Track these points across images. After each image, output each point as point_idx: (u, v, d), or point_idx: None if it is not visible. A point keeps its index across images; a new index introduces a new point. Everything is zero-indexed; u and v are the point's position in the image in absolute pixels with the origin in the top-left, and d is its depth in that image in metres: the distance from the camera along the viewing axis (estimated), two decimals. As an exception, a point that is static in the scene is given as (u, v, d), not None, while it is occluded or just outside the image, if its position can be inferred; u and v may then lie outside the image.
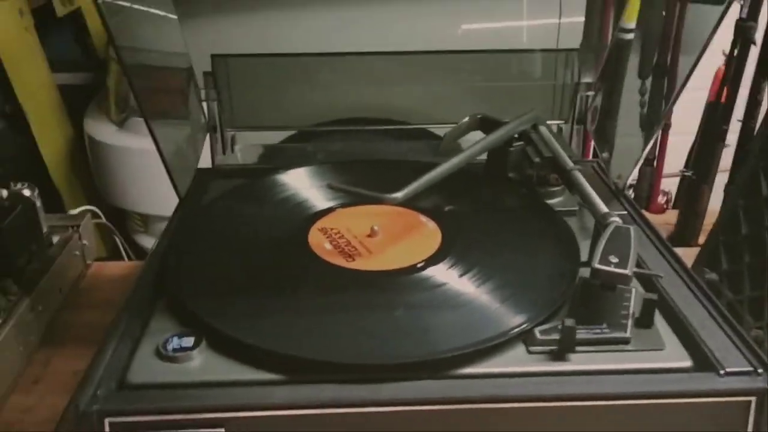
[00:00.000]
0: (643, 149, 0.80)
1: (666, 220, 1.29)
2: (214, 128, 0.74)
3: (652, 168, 1.33)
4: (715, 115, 1.13)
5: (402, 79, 0.78)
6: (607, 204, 0.58)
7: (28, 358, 0.70)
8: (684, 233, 1.18)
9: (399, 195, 0.54)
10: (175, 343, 0.48)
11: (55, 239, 0.80)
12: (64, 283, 0.78)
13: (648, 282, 0.55)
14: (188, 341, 0.48)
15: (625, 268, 0.48)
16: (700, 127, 1.21)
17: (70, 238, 0.81)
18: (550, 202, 0.66)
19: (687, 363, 0.47)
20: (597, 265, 0.48)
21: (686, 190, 1.22)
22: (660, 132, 1.33)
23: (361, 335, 0.48)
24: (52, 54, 1.99)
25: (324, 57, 0.73)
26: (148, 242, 1.74)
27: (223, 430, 0.43)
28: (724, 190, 1.17)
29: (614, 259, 0.48)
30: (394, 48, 0.74)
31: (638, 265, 0.52)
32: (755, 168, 0.78)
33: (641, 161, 0.71)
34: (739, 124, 1.17)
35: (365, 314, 0.50)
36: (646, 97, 0.88)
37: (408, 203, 0.62)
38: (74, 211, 0.89)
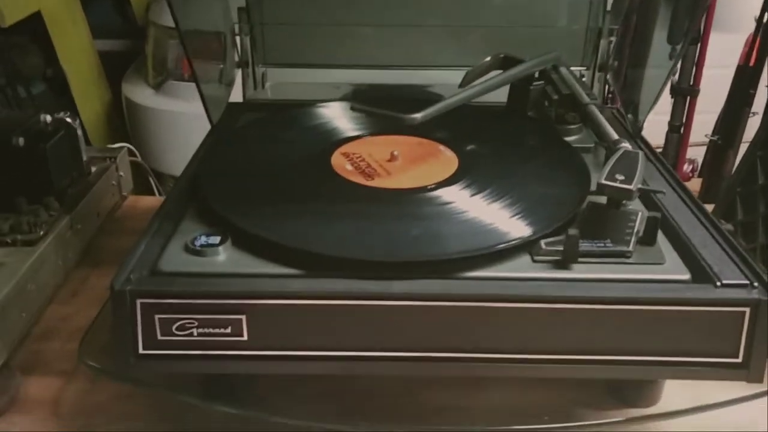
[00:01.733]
0: (655, 98, 0.81)
1: (691, 188, 1.30)
2: (246, 63, 0.78)
3: (679, 135, 1.33)
4: (743, 80, 1.12)
5: (429, 21, 0.80)
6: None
7: (67, 273, 0.74)
8: (708, 197, 1.18)
9: (418, 115, 0.57)
10: (202, 239, 0.51)
11: (94, 169, 0.84)
12: (102, 209, 0.83)
13: (653, 204, 0.57)
14: (214, 239, 0.51)
15: (630, 184, 0.50)
16: (729, 92, 1.20)
17: (108, 168, 0.85)
18: (567, 139, 0.68)
19: (686, 276, 0.49)
20: (603, 181, 0.50)
21: (712, 155, 1.22)
22: (688, 98, 1.33)
23: (373, 236, 0.51)
24: (93, 21, 2.05)
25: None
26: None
27: (244, 316, 0.47)
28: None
29: (620, 177, 0.51)
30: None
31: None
32: (774, 120, 0.78)
33: (651, 109, 0.71)
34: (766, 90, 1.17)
35: (377, 220, 0.53)
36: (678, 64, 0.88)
37: (430, 134, 0.64)
38: (112, 146, 0.94)
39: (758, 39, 1.08)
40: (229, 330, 0.47)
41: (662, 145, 1.36)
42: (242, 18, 0.76)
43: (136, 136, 2.00)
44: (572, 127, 0.69)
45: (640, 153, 0.54)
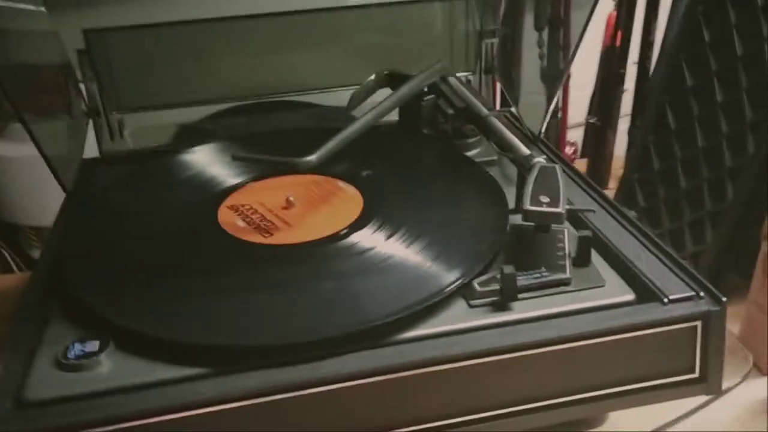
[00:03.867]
0: (549, 102, 0.80)
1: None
2: (96, 112, 0.67)
3: (557, 119, 1.34)
4: (612, 60, 1.14)
5: (295, 42, 0.73)
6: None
7: None
8: (593, 179, 1.20)
9: (313, 158, 0.50)
10: (77, 349, 0.42)
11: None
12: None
13: (577, 220, 0.53)
14: (93, 345, 0.42)
15: (558, 206, 0.46)
16: (598, 73, 1.22)
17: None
18: (468, 154, 0.64)
19: (630, 296, 0.46)
20: (529, 207, 0.46)
21: (592, 137, 1.23)
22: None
23: (287, 313, 0.44)
24: None
25: (211, 23, 0.67)
26: (45, 256, 1.61)
27: (146, 439, 0.38)
28: (628, 133, 1.20)
29: (545, 199, 0.46)
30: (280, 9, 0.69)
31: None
32: (661, 103, 0.78)
33: (549, 115, 0.70)
34: (634, 67, 1.20)
35: (289, 290, 0.46)
36: (545, 49, 0.87)
37: (323, 170, 0.57)
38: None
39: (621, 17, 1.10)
40: (129, 460, 0.38)
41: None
42: (84, 62, 0.65)
43: (-19, 188, 1.78)
44: (471, 140, 0.65)
45: (557, 167, 0.50)
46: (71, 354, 0.41)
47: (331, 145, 0.52)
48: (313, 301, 0.44)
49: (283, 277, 0.47)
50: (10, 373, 0.41)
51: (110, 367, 0.41)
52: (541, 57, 0.87)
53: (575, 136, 1.41)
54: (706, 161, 0.71)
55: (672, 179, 0.75)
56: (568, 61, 0.80)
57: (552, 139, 1.34)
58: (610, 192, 0.93)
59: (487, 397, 0.43)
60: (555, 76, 0.83)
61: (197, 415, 0.39)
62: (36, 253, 1.65)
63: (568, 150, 1.36)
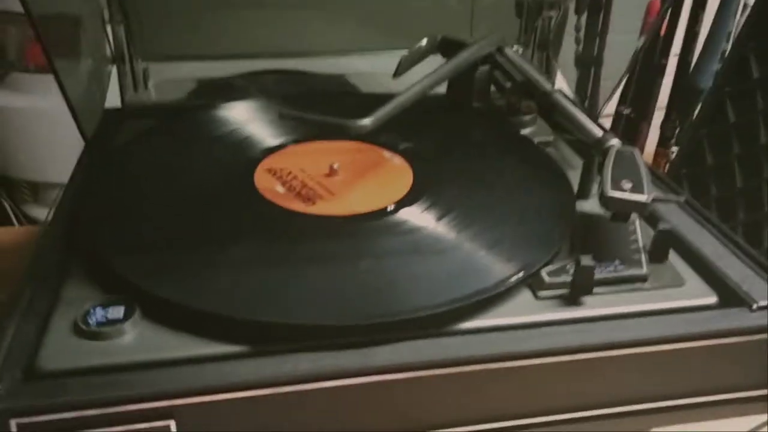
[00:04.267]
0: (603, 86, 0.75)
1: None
2: (122, 58, 0.61)
3: (584, 108, 1.29)
4: (655, 50, 1.09)
5: (318, 6, 0.68)
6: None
7: None
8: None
9: (367, 121, 0.45)
10: (99, 314, 0.37)
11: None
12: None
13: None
14: (116, 311, 0.37)
15: (642, 193, 0.41)
16: (633, 62, 1.17)
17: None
18: (522, 132, 0.59)
19: (712, 299, 0.41)
20: (610, 193, 0.41)
21: (623, 128, 1.18)
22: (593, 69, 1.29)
23: (337, 291, 0.39)
24: None
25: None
26: (39, 213, 1.56)
27: (171, 421, 0.34)
28: (661, 127, 1.15)
29: (627, 185, 0.42)
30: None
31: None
32: (721, 94, 0.74)
33: (607, 101, 0.66)
34: (674, 60, 1.15)
35: (339, 266, 0.41)
36: (581, 34, 0.83)
37: (370, 138, 0.53)
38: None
39: (668, 8, 1.05)
40: (152, 442, 0.34)
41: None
42: (113, 4, 0.59)
43: (-21, 139, 1.72)
44: (526, 118, 0.60)
45: (635, 151, 0.45)
46: (92, 320, 0.37)
47: (386, 110, 0.47)
48: (361, 282, 0.40)
49: (329, 251, 0.42)
50: (23, 338, 0.36)
51: (135, 338, 0.37)
52: (577, 42, 0.83)
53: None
54: (768, 159, 0.67)
55: (727, 176, 0.71)
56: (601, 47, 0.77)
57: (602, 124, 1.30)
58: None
59: (549, 399, 0.38)
60: (590, 64, 0.79)
61: (233, 398, 0.34)
62: (29, 209, 1.60)
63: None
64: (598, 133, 0.49)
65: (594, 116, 1.29)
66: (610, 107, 1.31)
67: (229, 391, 0.34)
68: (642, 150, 1.18)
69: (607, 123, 1.35)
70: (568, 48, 0.81)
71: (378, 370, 0.35)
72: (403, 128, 0.55)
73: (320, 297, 0.38)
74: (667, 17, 1.06)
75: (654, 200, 0.41)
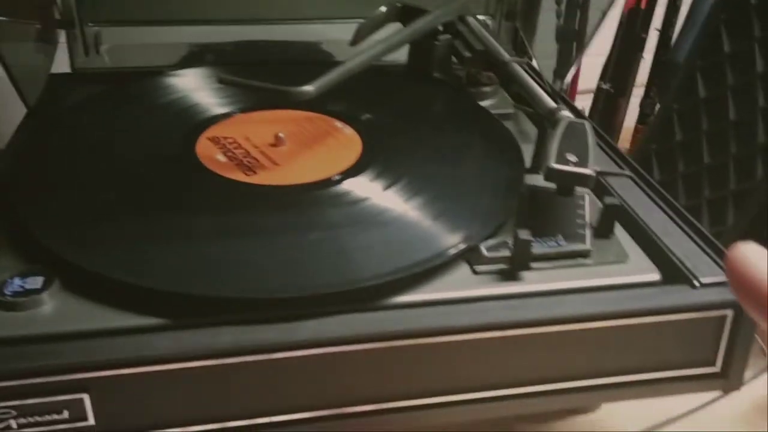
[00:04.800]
0: (572, 61, 0.74)
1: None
2: (71, 23, 0.59)
3: (545, 82, 1.27)
4: (635, 24, 1.07)
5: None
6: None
7: None
8: (601, 149, 1.14)
9: (311, 88, 0.44)
10: (16, 284, 0.36)
11: None
12: None
13: (598, 188, 0.47)
14: (35, 281, 0.36)
15: (586, 167, 0.40)
16: (616, 38, 1.15)
17: None
18: (481, 103, 0.58)
19: (656, 275, 0.40)
20: (554, 165, 0.40)
21: (603, 104, 1.17)
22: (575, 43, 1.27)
23: (267, 263, 0.38)
24: None
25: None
26: None
27: (86, 395, 0.32)
28: (640, 104, 1.13)
29: (572, 158, 0.40)
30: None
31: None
32: (691, 67, 0.72)
33: (572, 72, 0.64)
34: (654, 35, 1.13)
35: (271, 238, 0.40)
36: (563, 6, 0.81)
37: (320, 107, 0.51)
38: None
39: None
40: (66, 415, 0.33)
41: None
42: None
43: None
44: (486, 89, 0.58)
45: (587, 123, 0.44)
46: (8, 290, 0.35)
47: (332, 76, 0.45)
48: (297, 253, 0.39)
49: (264, 222, 0.41)
50: (-66, 308, 0.35)
51: (54, 309, 0.35)
52: (558, 15, 0.81)
53: (582, 103, 1.34)
54: (736, 136, 0.65)
55: (695, 153, 0.70)
56: (597, 23, 0.75)
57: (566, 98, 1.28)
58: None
59: (484, 376, 0.38)
60: (571, 38, 0.77)
61: (150, 372, 0.33)
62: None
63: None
64: (552, 105, 0.47)
65: (561, 91, 1.27)
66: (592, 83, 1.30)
67: (144, 364, 0.33)
68: (620, 126, 1.16)
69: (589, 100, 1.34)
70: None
71: (301, 344, 0.34)
72: (359, 98, 0.54)
73: (248, 269, 0.37)
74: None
75: (599, 174, 0.40)
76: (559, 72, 0.75)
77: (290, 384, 0.35)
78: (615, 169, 0.48)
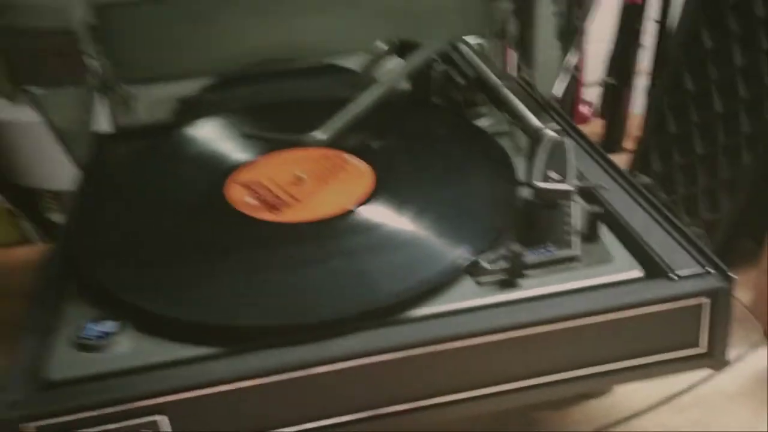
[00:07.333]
0: (562, 60, 0.78)
1: (591, 130, 1.29)
2: (107, 86, 0.67)
3: (573, 78, 1.32)
4: (631, 17, 1.11)
5: (301, 9, 0.72)
6: (537, 117, 0.55)
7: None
8: (610, 140, 1.18)
9: (323, 136, 0.50)
10: (93, 329, 0.43)
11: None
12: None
13: (588, 195, 0.53)
14: (109, 326, 0.43)
15: (567, 183, 0.46)
16: (617, 30, 1.19)
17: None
18: (480, 124, 0.64)
19: (638, 272, 0.46)
20: (536, 184, 0.45)
21: (609, 96, 1.21)
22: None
23: (297, 292, 0.45)
24: None
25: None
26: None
27: (165, 417, 0.39)
28: (647, 93, 1.17)
29: (555, 176, 0.46)
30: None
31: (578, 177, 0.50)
32: (678, 63, 0.77)
33: (561, 76, 0.69)
34: (656, 25, 1.16)
35: (299, 269, 0.46)
36: (561, 5, 0.85)
37: (334, 144, 0.57)
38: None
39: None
40: (147, 435, 0.40)
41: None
42: (92, 35, 0.64)
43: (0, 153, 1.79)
44: (483, 110, 0.64)
45: (567, 141, 0.50)
46: (88, 334, 0.43)
47: (340, 120, 0.52)
48: (322, 281, 0.45)
49: (292, 256, 0.48)
50: (32, 354, 0.42)
51: (127, 347, 0.42)
52: (555, 14, 0.86)
53: (593, 95, 1.38)
54: (723, 126, 0.70)
55: (687, 144, 0.74)
56: (582, 20, 0.79)
57: (568, 99, 1.32)
58: (628, 154, 0.92)
59: (495, 373, 0.43)
60: (569, 34, 0.81)
61: (211, 394, 0.40)
62: (56, 217, 1.67)
63: (585, 109, 1.33)
64: (536, 124, 0.53)
65: (579, 88, 1.29)
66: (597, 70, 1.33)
67: (210, 386, 0.40)
68: (625, 118, 1.20)
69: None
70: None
71: (335, 359, 0.40)
72: (367, 129, 0.60)
73: (282, 299, 0.44)
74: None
75: (578, 188, 0.46)
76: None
77: (328, 393, 0.41)
78: (600, 177, 0.53)
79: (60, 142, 0.58)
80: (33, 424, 0.38)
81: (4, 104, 1.75)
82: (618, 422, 0.54)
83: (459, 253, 0.46)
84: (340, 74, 0.74)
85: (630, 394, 0.56)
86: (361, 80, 0.62)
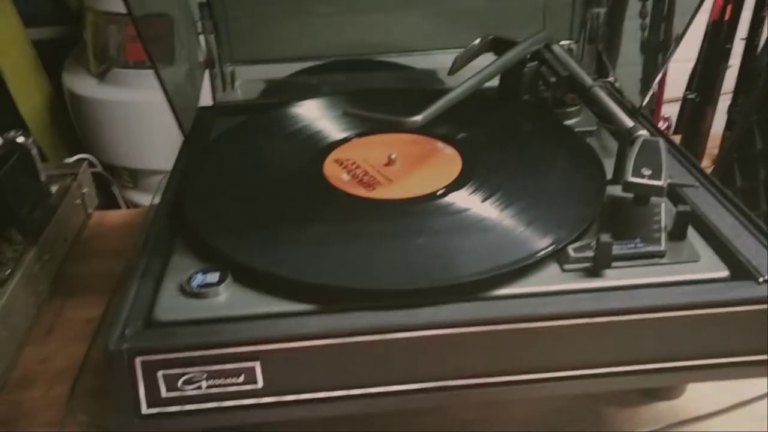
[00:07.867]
0: (654, 75, 0.78)
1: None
2: (212, 63, 0.71)
3: (653, 94, 1.31)
4: (719, 34, 1.10)
5: (402, 4, 0.75)
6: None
7: (39, 308, 0.68)
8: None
9: (419, 118, 0.52)
10: (199, 279, 0.46)
11: (54, 189, 0.78)
12: (68, 232, 0.76)
13: (675, 195, 0.54)
14: (213, 277, 0.46)
15: (659, 179, 0.46)
16: (702, 47, 1.18)
17: (69, 186, 0.78)
18: (567, 123, 0.65)
19: (724, 273, 0.46)
20: (630, 179, 0.46)
21: (689, 113, 1.20)
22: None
23: (391, 261, 0.47)
24: (22, 9, 1.91)
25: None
26: (139, 198, 1.71)
27: (257, 363, 0.42)
28: (728, 112, 1.16)
29: (647, 172, 0.47)
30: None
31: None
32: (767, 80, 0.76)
33: (652, 88, 0.69)
34: (741, 43, 1.15)
35: (393, 241, 0.49)
36: (647, 20, 0.85)
37: (424, 130, 0.60)
38: (70, 160, 0.87)
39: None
40: (242, 379, 0.43)
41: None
42: (204, 14, 0.69)
43: (84, 129, 1.89)
44: (571, 109, 0.65)
45: (661, 141, 0.51)
46: (194, 283, 0.46)
47: (437, 106, 0.54)
48: (413, 254, 0.47)
49: (385, 229, 0.50)
50: (142, 296, 0.46)
51: (227, 298, 0.45)
52: (642, 28, 0.86)
53: (669, 111, 1.37)
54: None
55: (775, 162, 0.74)
56: (678, 37, 0.79)
57: (647, 112, 1.31)
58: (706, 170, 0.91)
59: (572, 357, 0.45)
60: (657, 49, 0.81)
61: (303, 347, 0.42)
62: (130, 194, 1.75)
63: (662, 125, 1.33)
64: (629, 124, 0.54)
65: (659, 104, 1.29)
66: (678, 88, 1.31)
67: (302, 339, 0.42)
68: (707, 134, 1.19)
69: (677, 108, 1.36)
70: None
71: (421, 326, 0.42)
72: (457, 120, 0.62)
73: (375, 266, 0.46)
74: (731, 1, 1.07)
75: (671, 185, 0.46)
76: (645, 83, 0.80)
77: (406, 360, 0.43)
78: (688, 179, 0.54)
79: (173, 111, 0.61)
80: (139, 359, 0.42)
81: (92, 83, 1.84)
82: (683, 422, 0.54)
83: (545, 240, 0.47)
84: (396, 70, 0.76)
85: (699, 399, 0.56)
86: (455, 71, 0.64)
